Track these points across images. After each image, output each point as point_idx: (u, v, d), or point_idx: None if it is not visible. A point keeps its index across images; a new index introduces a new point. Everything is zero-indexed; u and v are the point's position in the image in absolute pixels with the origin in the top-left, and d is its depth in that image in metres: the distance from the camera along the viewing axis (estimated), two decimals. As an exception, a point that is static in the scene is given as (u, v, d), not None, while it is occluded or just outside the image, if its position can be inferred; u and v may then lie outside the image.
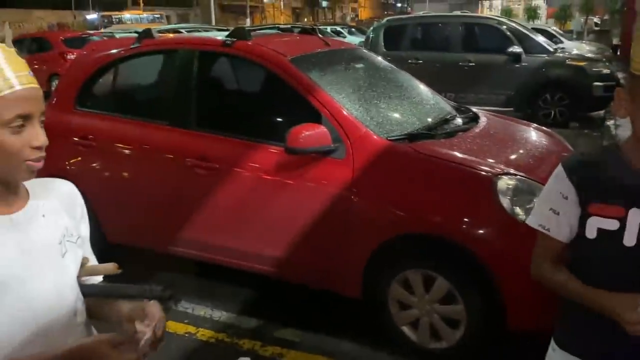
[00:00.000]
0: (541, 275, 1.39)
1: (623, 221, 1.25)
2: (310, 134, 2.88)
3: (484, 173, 2.78)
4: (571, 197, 1.30)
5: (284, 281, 3.30)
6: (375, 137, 2.95)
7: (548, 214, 1.34)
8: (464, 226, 2.67)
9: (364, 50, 4.64)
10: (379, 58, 4.33)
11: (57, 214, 1.16)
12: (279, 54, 3.25)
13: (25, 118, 1.03)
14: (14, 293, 1.03)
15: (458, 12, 10.72)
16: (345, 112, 3.01)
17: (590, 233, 1.30)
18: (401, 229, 2.82)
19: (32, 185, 1.14)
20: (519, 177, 2.76)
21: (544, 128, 4.03)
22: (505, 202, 2.63)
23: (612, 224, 1.26)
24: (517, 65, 8.68)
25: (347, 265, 2.97)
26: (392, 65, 4.20)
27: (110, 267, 1.21)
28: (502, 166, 2.86)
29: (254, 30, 3.84)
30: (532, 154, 3.26)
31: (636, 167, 1.26)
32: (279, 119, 3.33)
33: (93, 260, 1.24)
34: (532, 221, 1.39)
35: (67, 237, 1.16)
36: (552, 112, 8.48)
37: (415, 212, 2.77)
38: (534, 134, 3.75)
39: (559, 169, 1.35)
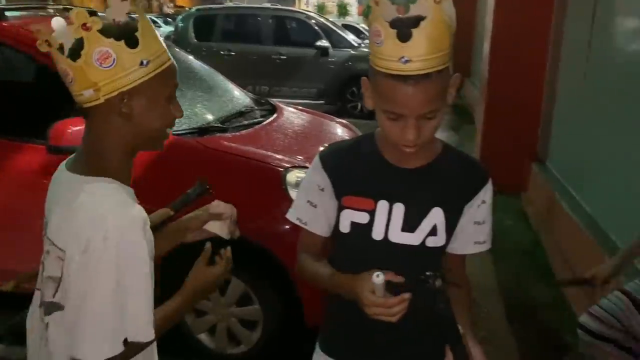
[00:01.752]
0: (301, 269, 1.29)
1: (372, 214, 1.20)
2: (79, 130, 2.51)
3: (273, 166, 2.69)
4: (327, 188, 1.23)
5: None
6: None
7: (306, 206, 1.25)
8: (255, 223, 2.54)
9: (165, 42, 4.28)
10: (175, 48, 4.03)
11: None
12: (42, 38, 2.79)
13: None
14: None
15: (268, 5, 10.75)
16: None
17: (344, 227, 1.23)
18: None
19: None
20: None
21: (343, 121, 4.12)
22: (295, 195, 2.56)
23: (363, 217, 1.20)
24: (325, 59, 8.96)
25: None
26: (189, 56, 3.93)
27: None
28: (294, 159, 2.79)
29: (13, 9, 3.27)
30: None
31: (387, 157, 1.21)
32: (41, 113, 2.87)
33: None
34: (291, 215, 1.29)
35: None
36: (359, 105, 8.92)
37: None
38: (332, 127, 3.80)
39: (316, 159, 1.26)
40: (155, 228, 1.22)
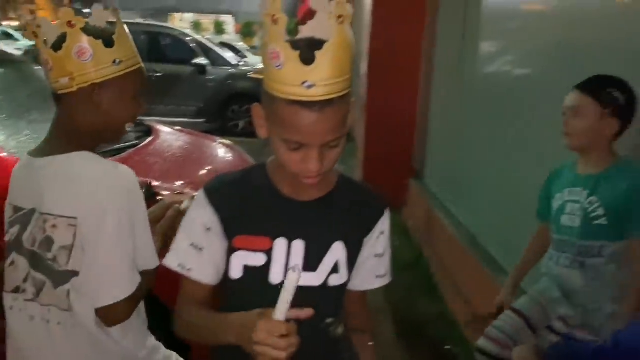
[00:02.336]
0: (184, 325, 1.11)
1: (269, 254, 1.08)
2: None
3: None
4: (215, 227, 1.08)
5: None
6: (13, 160, 2.35)
7: (189, 250, 1.09)
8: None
9: (10, 55, 3.83)
10: (34, 66, 3.64)
11: None
12: None
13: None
14: None
15: (139, 20, 10.27)
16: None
17: (236, 272, 1.09)
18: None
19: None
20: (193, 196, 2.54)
21: (225, 141, 3.96)
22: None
23: (259, 259, 1.08)
24: (204, 77, 8.72)
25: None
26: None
27: None
28: (172, 185, 2.60)
29: None
30: (210, 170, 3.11)
31: (282, 190, 1.10)
32: None
33: None
34: (171, 260, 1.12)
35: None
36: (240, 123, 8.78)
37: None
38: (214, 148, 3.63)
39: (200, 194, 1.11)
40: None
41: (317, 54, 0.91)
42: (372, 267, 1.18)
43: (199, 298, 1.11)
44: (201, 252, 1.08)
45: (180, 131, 3.84)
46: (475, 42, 3.72)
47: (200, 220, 1.09)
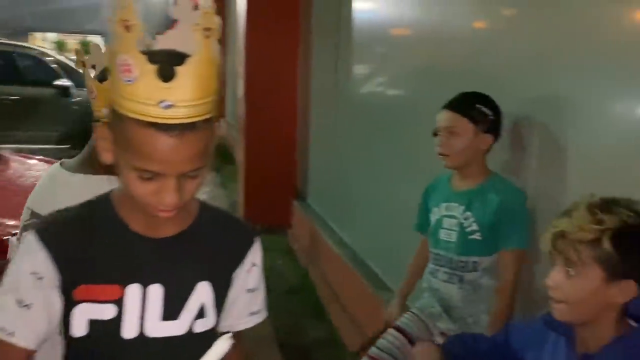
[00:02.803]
0: None
1: (120, 305, 0.91)
2: None
3: (-2, 234, 2.16)
4: (48, 277, 0.89)
5: None
6: None
7: (13, 308, 0.88)
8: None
9: None
10: None
11: None
12: None
13: None
14: None
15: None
16: None
17: (80, 328, 0.91)
18: None
19: None
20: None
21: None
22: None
23: (107, 311, 0.90)
24: (68, 100, 8.08)
25: None
26: None
27: None
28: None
29: None
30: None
31: (132, 226, 0.93)
32: None
33: None
34: None
35: None
36: (111, 148, 8.24)
37: None
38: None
39: (31, 237, 0.90)
40: None
41: (179, 69, 0.78)
42: (245, 304, 1.05)
43: None
44: (29, 309, 0.88)
45: (38, 160, 3.46)
46: (349, 65, 3.79)
47: (29, 269, 0.88)
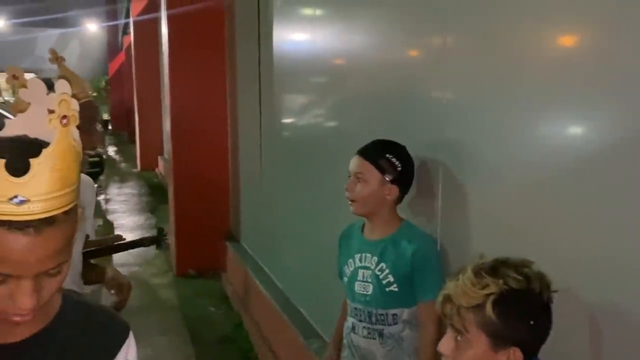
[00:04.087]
0: None
1: None
2: None
3: None
4: None
5: None
6: None
7: None
8: None
9: None
10: None
11: None
12: None
13: None
14: None
15: None
16: None
17: None
18: None
19: None
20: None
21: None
22: None
23: None
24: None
25: None
26: None
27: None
28: None
29: None
30: None
31: None
32: None
33: None
34: None
35: None
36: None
37: None
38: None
39: None
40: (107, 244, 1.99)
41: (33, 162, 0.69)
42: None
43: None
44: None
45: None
46: (272, 100, 3.71)
47: None
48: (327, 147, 2.82)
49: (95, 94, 28.57)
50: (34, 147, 0.71)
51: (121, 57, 18.59)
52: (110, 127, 18.91)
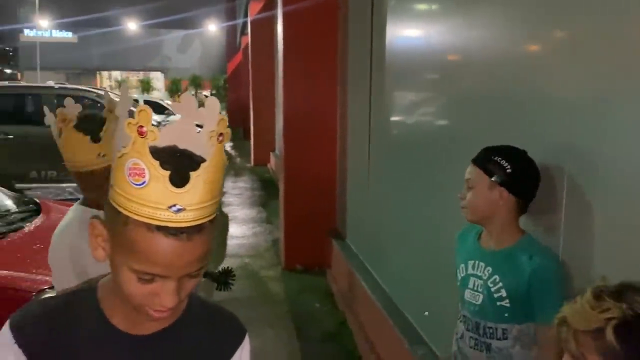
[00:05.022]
0: None
1: None
2: None
3: (24, 290, 2.20)
4: None
5: None
6: None
7: None
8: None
9: None
10: None
11: None
12: None
13: None
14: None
15: (52, 83, 9.91)
16: None
17: None
18: None
19: None
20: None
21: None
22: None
23: None
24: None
25: None
26: None
27: None
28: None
29: None
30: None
31: (113, 321, 0.90)
32: None
33: None
34: None
35: None
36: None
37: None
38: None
39: (4, 331, 0.87)
40: None
41: (193, 174, 0.77)
42: None
43: None
44: None
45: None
46: (382, 99, 3.67)
47: None
48: (439, 147, 2.72)
49: (214, 92, 30.24)
50: (192, 161, 0.79)
51: (239, 57, 19.48)
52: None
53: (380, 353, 3.17)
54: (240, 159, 13.03)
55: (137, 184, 0.77)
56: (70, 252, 1.48)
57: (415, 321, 2.93)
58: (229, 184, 9.66)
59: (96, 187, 1.46)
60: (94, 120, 1.48)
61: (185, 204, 0.77)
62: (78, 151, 1.45)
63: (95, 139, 1.45)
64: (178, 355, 0.93)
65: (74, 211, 1.58)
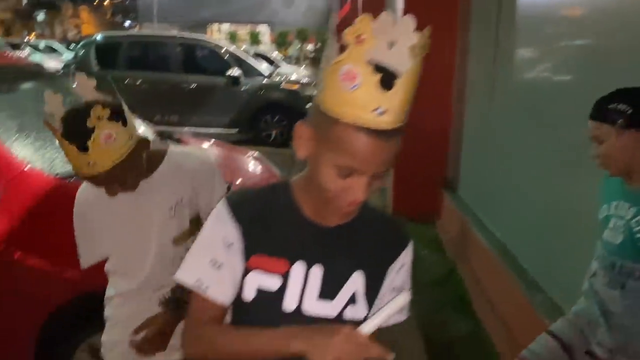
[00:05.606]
0: (203, 343, 1.02)
1: (285, 278, 1.01)
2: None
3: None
4: (237, 244, 1.01)
5: None
6: (40, 174, 2.38)
7: (207, 267, 1.01)
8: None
9: (44, 68, 3.88)
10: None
11: (177, 185, 1.56)
12: None
13: None
14: (128, 240, 1.60)
15: (175, 32, 10.46)
16: (-4, 144, 2.36)
17: (249, 293, 1.02)
18: (80, 288, 2.29)
19: (170, 155, 1.60)
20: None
21: (255, 154, 3.95)
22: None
23: (273, 282, 1.01)
24: (237, 88, 8.79)
25: (15, 337, 2.33)
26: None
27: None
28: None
29: None
30: (239, 184, 3.08)
31: (306, 213, 1.04)
32: None
33: None
34: (185, 276, 1.03)
35: (180, 205, 1.57)
36: (273, 133, 8.80)
37: (95, 267, 2.28)
38: (245, 163, 3.62)
39: (222, 207, 1.03)
40: None
41: (397, 81, 0.87)
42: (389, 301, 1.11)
43: (214, 318, 1.03)
44: (220, 269, 1.01)
45: (211, 143, 3.85)
46: (510, 48, 3.60)
47: (222, 235, 1.01)
48: (566, 98, 2.65)
49: (319, 45, 30.10)
50: (396, 70, 0.88)
51: (345, 9, 19.32)
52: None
53: (493, 300, 3.21)
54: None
55: (350, 87, 0.87)
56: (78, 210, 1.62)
57: (532, 269, 2.94)
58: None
59: (111, 182, 1.44)
60: (77, 123, 1.34)
61: (387, 107, 0.87)
62: (71, 160, 1.38)
63: (83, 148, 1.33)
64: (354, 248, 1.06)
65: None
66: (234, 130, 8.79)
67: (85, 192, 1.61)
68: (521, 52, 3.55)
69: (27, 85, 3.12)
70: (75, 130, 1.34)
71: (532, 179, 3.06)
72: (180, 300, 1.55)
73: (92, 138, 1.32)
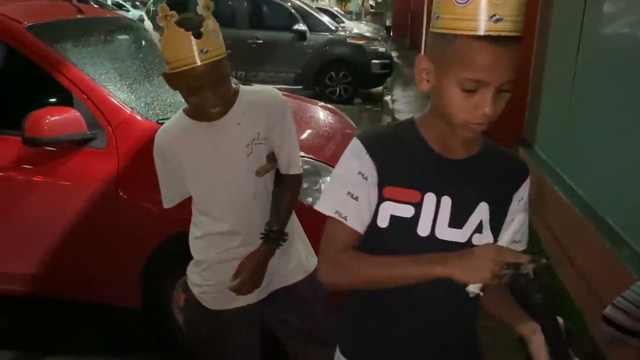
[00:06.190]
0: (343, 271, 1.08)
1: (418, 207, 1.08)
2: (57, 120, 2.34)
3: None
4: (371, 177, 1.08)
5: (46, 298, 2.72)
6: (143, 120, 2.52)
7: (345, 198, 1.07)
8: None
9: (133, 20, 4.04)
10: (152, 30, 3.84)
11: (252, 121, 1.59)
12: (12, 20, 2.60)
13: None
14: (208, 179, 1.61)
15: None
16: (103, 92, 2.52)
17: (383, 221, 1.09)
18: (181, 226, 2.45)
19: (243, 93, 1.62)
20: (304, 158, 2.59)
21: (328, 106, 4.00)
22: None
23: (407, 211, 1.07)
24: (303, 43, 8.79)
25: (121, 272, 2.54)
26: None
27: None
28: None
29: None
30: (316, 133, 3.15)
31: (433, 147, 1.10)
32: (14, 102, 2.67)
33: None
34: (325, 207, 1.11)
35: (256, 141, 1.59)
36: (338, 89, 8.79)
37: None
38: (318, 113, 3.67)
39: (357, 144, 1.10)
40: None
41: None
42: (510, 232, 1.13)
43: (351, 246, 1.10)
44: (357, 200, 1.08)
45: (285, 96, 3.90)
46: (599, 6, 3.44)
47: (357, 169, 1.07)
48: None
49: (380, 1, 29.32)
50: None
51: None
52: (391, 34, 19.60)
53: (573, 255, 3.19)
54: (407, 69, 12.93)
55: (461, 3, 0.93)
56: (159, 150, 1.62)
57: (616, 224, 2.89)
58: (398, 92, 9.74)
59: (196, 90, 1.46)
60: (193, 18, 1.44)
61: (503, 14, 0.92)
62: (180, 47, 1.41)
63: (197, 35, 1.40)
64: (480, 178, 1.11)
65: (176, 117, 1.63)
66: (298, 87, 8.84)
67: (164, 133, 1.62)
68: (612, 2, 3.38)
69: (122, 36, 3.26)
70: (188, 18, 1.44)
71: (617, 131, 2.97)
72: (275, 233, 1.61)
73: (203, 25, 1.42)
